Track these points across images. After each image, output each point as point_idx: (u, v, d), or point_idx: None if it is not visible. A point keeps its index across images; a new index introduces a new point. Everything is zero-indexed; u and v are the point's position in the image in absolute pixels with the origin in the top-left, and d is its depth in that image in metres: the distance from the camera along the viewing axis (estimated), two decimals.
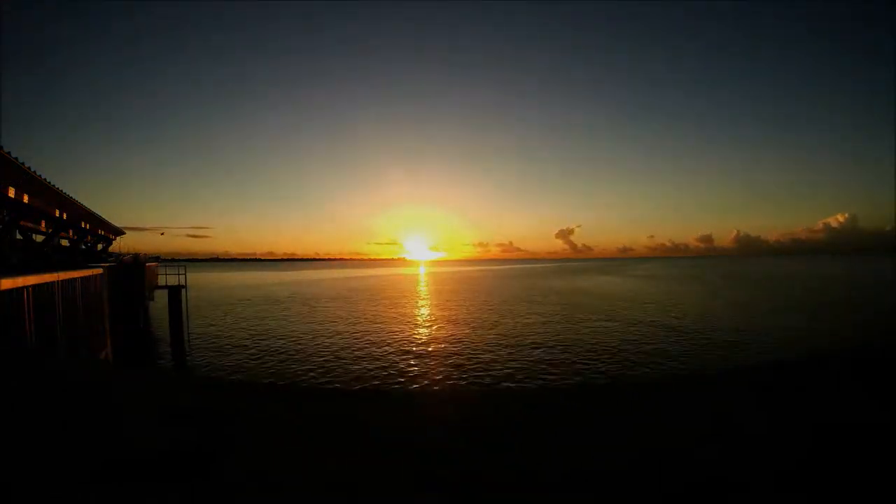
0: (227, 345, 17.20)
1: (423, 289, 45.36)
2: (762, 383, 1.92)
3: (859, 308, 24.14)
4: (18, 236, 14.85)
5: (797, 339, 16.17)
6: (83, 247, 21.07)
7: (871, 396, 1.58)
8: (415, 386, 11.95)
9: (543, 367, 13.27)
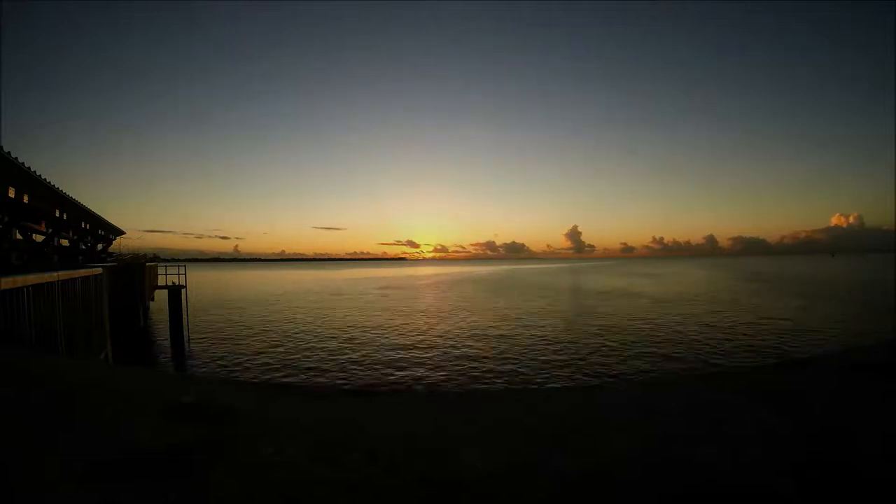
0: (229, 344, 17.20)
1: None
2: (763, 382, 1.91)
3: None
4: (18, 236, 14.86)
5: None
6: (83, 247, 21.07)
7: (876, 397, 1.58)
8: (420, 384, 11.94)
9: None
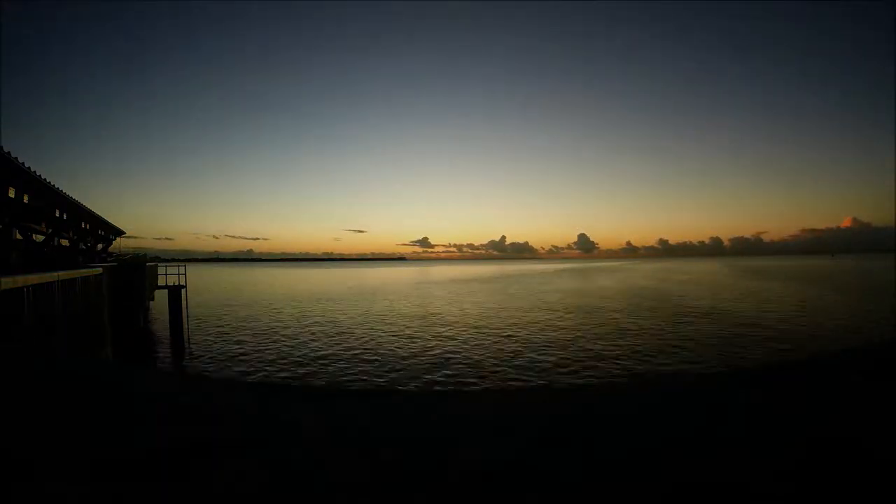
0: (228, 344, 17.20)
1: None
2: (763, 382, 1.92)
3: None
4: (18, 236, 14.85)
5: None
6: (83, 247, 21.07)
7: (879, 398, 1.58)
8: (416, 384, 11.94)
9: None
